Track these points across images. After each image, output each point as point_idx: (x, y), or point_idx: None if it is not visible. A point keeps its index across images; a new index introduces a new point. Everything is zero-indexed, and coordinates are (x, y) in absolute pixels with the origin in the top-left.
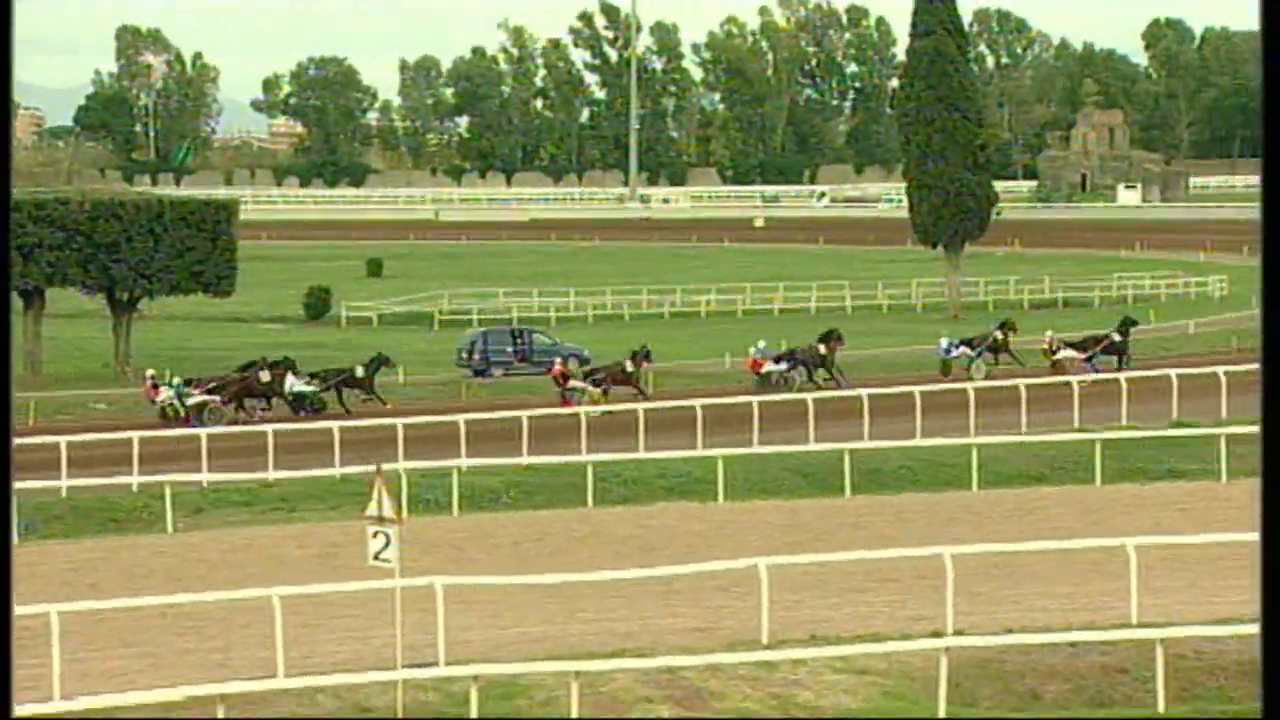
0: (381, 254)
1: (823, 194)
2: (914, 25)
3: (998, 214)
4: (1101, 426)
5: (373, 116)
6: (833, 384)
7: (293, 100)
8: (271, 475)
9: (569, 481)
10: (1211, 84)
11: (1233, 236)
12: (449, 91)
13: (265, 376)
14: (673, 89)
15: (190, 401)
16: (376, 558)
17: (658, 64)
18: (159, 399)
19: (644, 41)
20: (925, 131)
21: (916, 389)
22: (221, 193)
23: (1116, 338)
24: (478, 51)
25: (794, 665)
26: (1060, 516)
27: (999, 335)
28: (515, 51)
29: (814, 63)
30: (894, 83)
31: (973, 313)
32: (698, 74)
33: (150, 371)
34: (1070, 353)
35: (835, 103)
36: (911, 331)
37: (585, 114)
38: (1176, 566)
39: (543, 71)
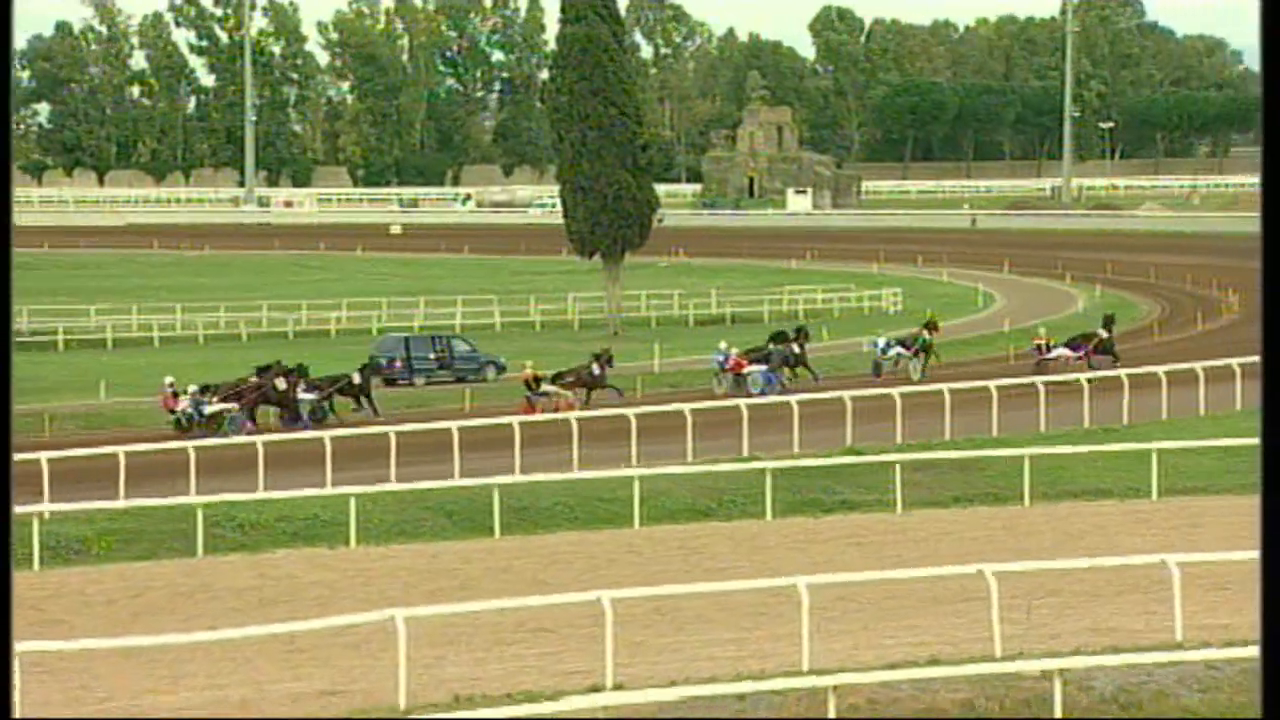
0: None
1: (467, 197)
2: (564, 9)
3: (659, 221)
4: (772, 455)
5: None
6: (803, 383)
7: None
8: None
9: (175, 528)
10: (880, 80)
11: (906, 246)
12: (24, 74)
13: (281, 384)
14: (294, 76)
15: (208, 410)
16: None
17: (275, 47)
18: (177, 408)
19: (259, 21)
20: (579, 128)
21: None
22: None
23: (1103, 334)
24: (61, 27)
25: None
26: (729, 554)
27: (926, 335)
28: (105, 29)
29: (455, 49)
30: (545, 74)
31: (635, 329)
32: (323, 59)
33: (169, 379)
34: (1064, 352)
35: (480, 95)
36: (573, 351)
37: (192, 103)
38: (850, 607)
39: (140, 53)
